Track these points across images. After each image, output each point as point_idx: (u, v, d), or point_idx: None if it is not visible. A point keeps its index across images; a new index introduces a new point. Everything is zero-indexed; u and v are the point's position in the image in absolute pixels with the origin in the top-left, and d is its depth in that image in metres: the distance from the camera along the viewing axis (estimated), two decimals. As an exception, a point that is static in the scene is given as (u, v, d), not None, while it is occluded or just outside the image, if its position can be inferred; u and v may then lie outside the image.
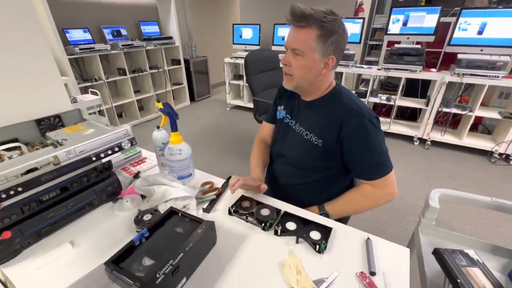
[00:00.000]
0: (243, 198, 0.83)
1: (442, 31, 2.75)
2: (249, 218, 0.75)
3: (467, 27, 2.29)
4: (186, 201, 0.79)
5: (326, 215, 0.84)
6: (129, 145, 0.76)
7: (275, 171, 1.01)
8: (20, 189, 0.56)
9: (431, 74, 2.52)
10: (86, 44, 2.87)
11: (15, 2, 0.76)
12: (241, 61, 3.61)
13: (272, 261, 0.62)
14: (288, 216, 0.75)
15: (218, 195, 0.85)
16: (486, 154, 2.50)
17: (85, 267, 0.60)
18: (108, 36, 3.16)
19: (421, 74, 2.54)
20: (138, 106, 3.54)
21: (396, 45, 2.65)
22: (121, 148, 0.74)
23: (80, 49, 2.73)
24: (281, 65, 0.82)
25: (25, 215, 0.63)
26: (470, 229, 1.68)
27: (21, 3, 0.77)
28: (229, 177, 0.90)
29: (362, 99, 1.58)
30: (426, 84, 2.80)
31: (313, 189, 0.92)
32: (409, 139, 2.85)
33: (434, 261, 0.75)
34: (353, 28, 2.82)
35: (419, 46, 2.60)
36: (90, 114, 2.05)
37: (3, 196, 0.53)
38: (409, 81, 2.78)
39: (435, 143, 2.72)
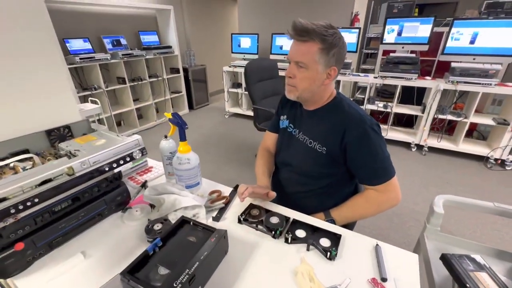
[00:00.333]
0: (251, 206, 0.84)
1: (435, 40, 2.84)
2: (259, 226, 0.75)
3: (460, 36, 2.37)
4: (196, 210, 0.80)
5: (332, 221, 0.86)
6: (140, 154, 0.77)
7: (280, 179, 1.02)
8: (36, 200, 0.57)
9: (426, 82, 2.59)
10: (86, 53, 2.89)
11: (30, 14, 0.78)
12: (240, 70, 3.65)
13: (285, 268, 0.63)
14: (297, 224, 0.76)
15: (227, 204, 0.86)
16: (482, 159, 2.55)
17: (99, 277, 0.60)
18: (108, 46, 3.19)
19: (416, 82, 2.61)
20: (137, 114, 3.55)
21: (392, 54, 2.72)
22: (132, 158, 0.75)
23: (80, 58, 2.75)
24: (283, 74, 0.84)
25: (37, 226, 0.63)
26: (470, 234, 1.69)
27: (35, 14, 0.79)
28: (237, 186, 0.91)
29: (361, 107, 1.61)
30: (422, 91, 2.87)
31: (318, 196, 0.94)
32: (406, 145, 2.90)
33: (441, 266, 0.76)
34: (349, 37, 2.90)
35: (413, 55, 2.68)
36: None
37: (20, 207, 0.54)
38: (405, 88, 2.86)
39: (432, 149, 2.77)
